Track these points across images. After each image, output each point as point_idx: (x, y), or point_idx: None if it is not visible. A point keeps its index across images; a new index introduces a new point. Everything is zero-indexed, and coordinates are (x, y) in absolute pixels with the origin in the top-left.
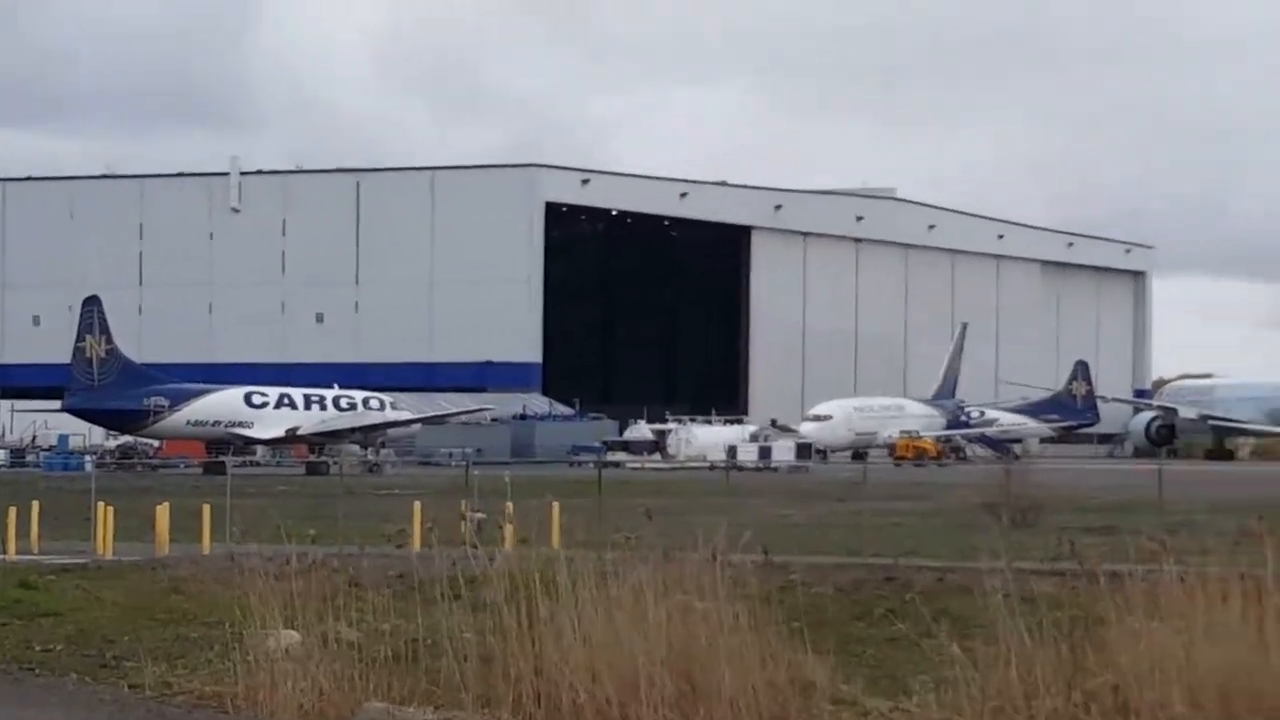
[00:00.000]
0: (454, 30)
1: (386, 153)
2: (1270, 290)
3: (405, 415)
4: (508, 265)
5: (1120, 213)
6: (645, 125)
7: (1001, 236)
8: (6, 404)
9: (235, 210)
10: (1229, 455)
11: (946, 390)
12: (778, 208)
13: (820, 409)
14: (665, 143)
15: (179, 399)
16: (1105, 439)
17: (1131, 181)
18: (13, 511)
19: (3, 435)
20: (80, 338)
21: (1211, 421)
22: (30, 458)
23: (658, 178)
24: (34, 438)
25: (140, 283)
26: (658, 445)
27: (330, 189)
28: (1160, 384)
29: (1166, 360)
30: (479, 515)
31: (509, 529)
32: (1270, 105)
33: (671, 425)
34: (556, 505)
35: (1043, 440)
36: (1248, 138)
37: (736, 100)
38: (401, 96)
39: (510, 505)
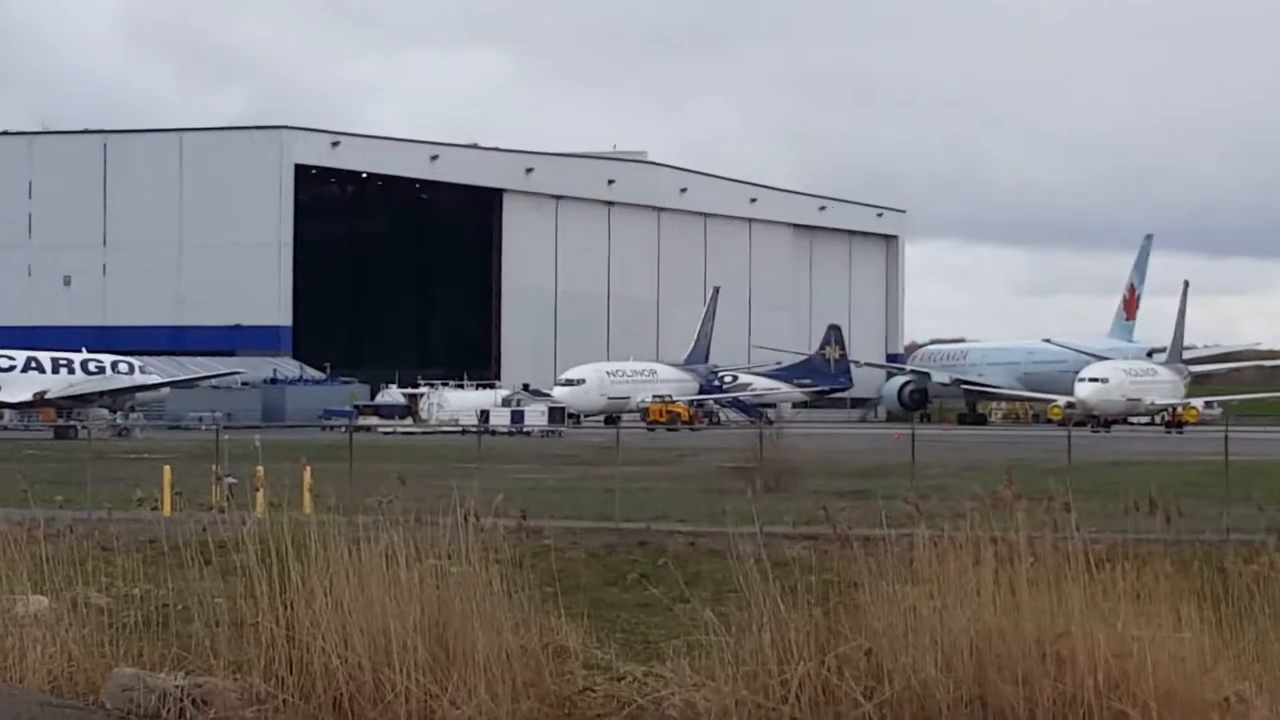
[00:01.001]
0: None
1: (134, 115)
2: (1020, 255)
3: (154, 379)
4: (257, 228)
5: (873, 178)
6: (395, 90)
7: (754, 200)
8: None
9: None
10: (981, 419)
11: (699, 354)
12: (529, 171)
13: (573, 373)
14: (416, 107)
15: None
16: (858, 403)
17: (884, 147)
18: None
19: None
20: None
21: (964, 386)
22: None
23: (408, 140)
24: None
25: None
26: (410, 409)
27: (77, 151)
28: (913, 348)
29: (919, 324)
30: (230, 479)
31: (260, 493)
32: (1021, 73)
33: (423, 389)
34: (308, 469)
35: (796, 404)
36: (999, 105)
37: (487, 65)
38: (146, 60)
39: (261, 469)
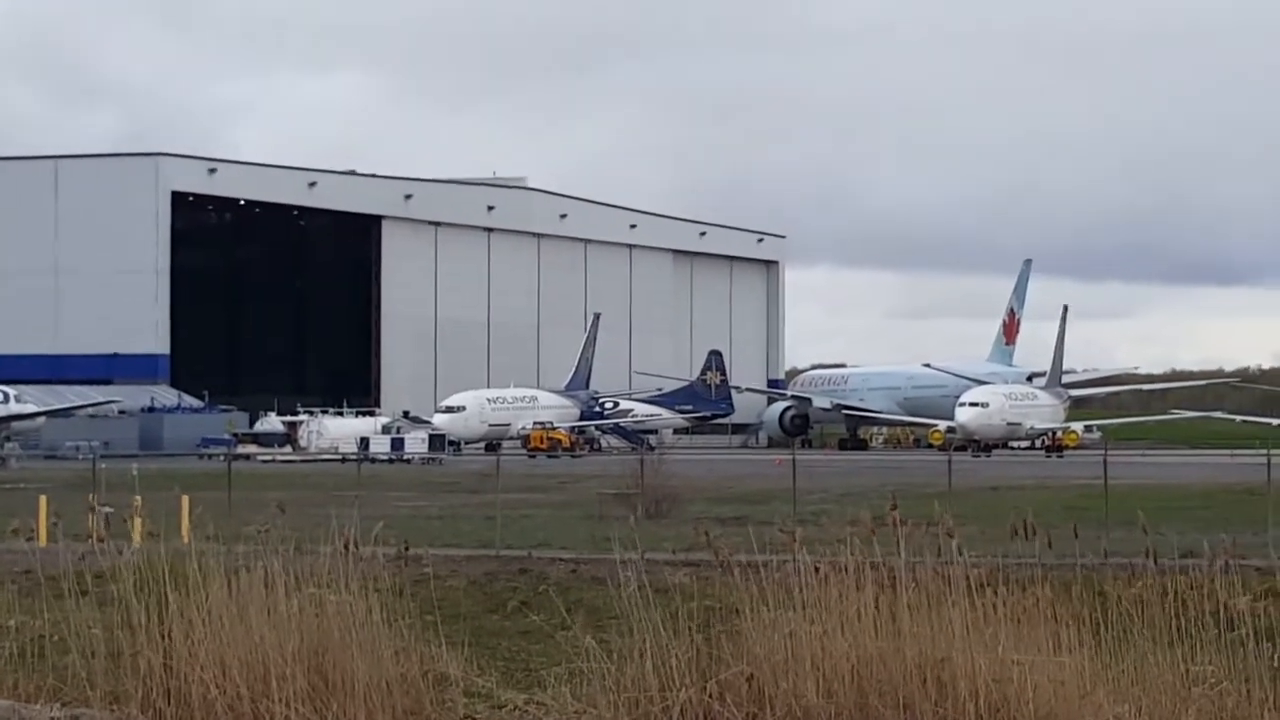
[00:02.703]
0: (67, 16)
1: (3, 141)
2: (895, 279)
3: (30, 408)
4: (134, 256)
5: (752, 203)
6: (267, 113)
7: (634, 226)
8: None
9: None
10: (863, 444)
11: (580, 381)
12: (408, 197)
13: (453, 400)
14: (289, 131)
15: None
16: (740, 429)
17: (761, 172)
18: None
19: None
20: None
21: (845, 411)
22: None
23: (286, 167)
24: None
25: None
26: (289, 437)
27: None
28: (794, 373)
29: (799, 350)
30: (106, 509)
31: (137, 523)
32: (896, 94)
33: (303, 417)
34: (186, 499)
35: (677, 431)
36: (874, 127)
37: (358, 88)
38: (9, 83)
39: (139, 499)
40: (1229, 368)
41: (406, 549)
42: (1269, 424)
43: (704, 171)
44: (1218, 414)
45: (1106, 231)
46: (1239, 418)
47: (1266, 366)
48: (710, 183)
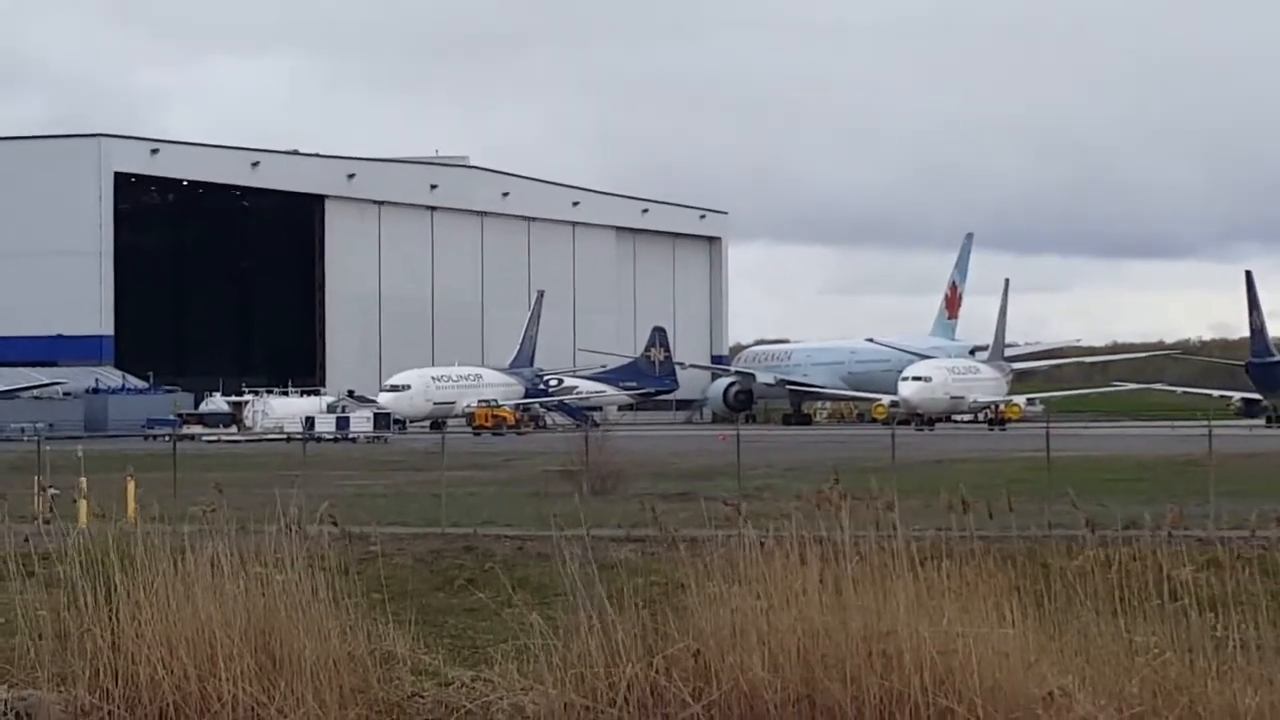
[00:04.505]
0: None
1: None
2: (836, 255)
3: None
4: (77, 237)
5: (692, 181)
6: (202, 96)
7: (576, 203)
8: None
9: None
10: (806, 419)
11: (524, 358)
12: (351, 176)
13: (398, 379)
14: (226, 114)
15: None
16: (684, 405)
17: (700, 149)
18: None
19: None
20: None
21: (789, 386)
22: None
23: (229, 147)
24: None
25: None
26: (234, 417)
27: None
28: (738, 350)
29: (742, 326)
30: (52, 491)
31: (83, 504)
32: (832, 71)
33: (248, 397)
34: (131, 480)
35: (621, 407)
36: (812, 104)
37: (296, 70)
38: None
39: (84, 480)
40: (1169, 340)
41: (335, 523)
42: (1209, 395)
43: (645, 151)
44: (1158, 386)
45: (1043, 206)
46: (1179, 389)
47: (1206, 338)
48: (651, 161)
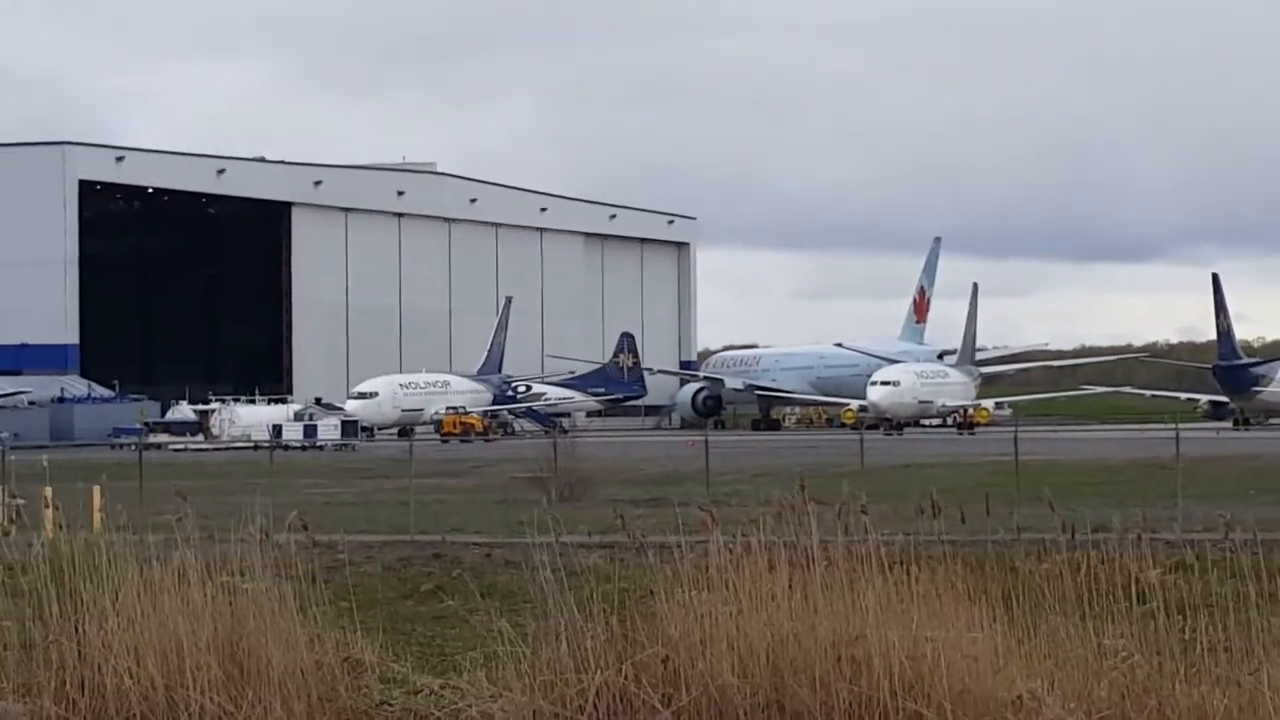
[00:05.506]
0: None
1: None
2: (804, 259)
3: None
4: (41, 245)
5: (660, 187)
6: (165, 102)
7: (544, 209)
8: None
9: None
10: (775, 424)
11: (493, 365)
12: (318, 183)
13: (365, 386)
14: (188, 121)
15: None
16: (652, 411)
17: (670, 153)
18: None
19: None
20: None
21: (757, 391)
22: None
23: (194, 154)
24: None
25: None
26: (201, 426)
27: None
28: (706, 355)
29: (711, 331)
30: (18, 501)
31: (49, 514)
32: (800, 75)
33: (215, 405)
34: (97, 489)
35: (590, 413)
36: (781, 108)
37: (260, 76)
38: None
39: (49, 490)
40: (1137, 343)
41: (305, 527)
42: (1177, 398)
43: (613, 155)
44: (1127, 389)
45: (1012, 210)
46: (1148, 393)
47: (1174, 341)
48: (619, 167)
